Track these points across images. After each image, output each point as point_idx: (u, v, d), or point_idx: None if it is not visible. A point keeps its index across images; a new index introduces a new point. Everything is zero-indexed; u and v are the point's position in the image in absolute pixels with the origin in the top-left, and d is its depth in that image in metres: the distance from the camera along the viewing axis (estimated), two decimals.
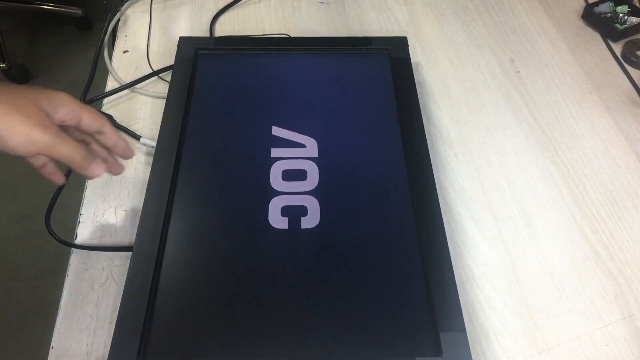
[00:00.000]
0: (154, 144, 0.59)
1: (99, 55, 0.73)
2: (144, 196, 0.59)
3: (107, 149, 0.51)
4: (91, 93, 0.69)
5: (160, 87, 0.71)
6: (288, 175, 0.55)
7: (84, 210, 0.58)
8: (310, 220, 0.51)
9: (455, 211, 0.58)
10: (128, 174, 0.61)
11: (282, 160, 0.56)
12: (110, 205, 0.59)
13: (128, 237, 0.56)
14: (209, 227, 0.51)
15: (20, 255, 1.40)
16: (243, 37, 0.77)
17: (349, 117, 0.60)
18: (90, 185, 0.60)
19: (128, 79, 0.71)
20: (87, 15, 1.92)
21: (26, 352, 1.24)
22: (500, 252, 0.55)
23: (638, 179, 0.62)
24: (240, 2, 0.82)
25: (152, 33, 0.79)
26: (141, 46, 0.76)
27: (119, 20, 0.81)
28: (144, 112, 0.68)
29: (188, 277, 0.48)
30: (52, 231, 0.56)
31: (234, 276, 0.48)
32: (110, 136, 0.51)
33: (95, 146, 0.51)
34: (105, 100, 0.69)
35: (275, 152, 0.56)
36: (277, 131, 0.58)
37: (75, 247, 0.55)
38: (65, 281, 0.53)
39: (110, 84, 0.72)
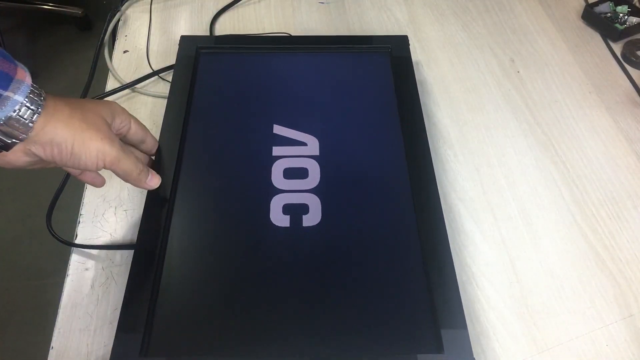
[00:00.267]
0: None
1: (98, 55, 0.73)
2: (144, 196, 0.59)
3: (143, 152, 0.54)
4: (91, 93, 0.69)
5: (161, 87, 0.71)
6: (289, 174, 0.55)
7: (83, 211, 0.58)
8: (311, 218, 0.52)
9: (455, 211, 0.58)
10: None
11: (284, 158, 0.56)
12: (110, 205, 0.59)
13: (128, 237, 0.56)
14: (210, 225, 0.51)
15: (20, 255, 1.40)
16: (244, 36, 0.77)
17: (350, 115, 0.60)
18: (90, 185, 0.60)
19: (128, 79, 0.71)
20: (87, 15, 1.92)
21: (26, 352, 1.24)
22: (500, 252, 0.55)
23: (638, 179, 0.62)
24: (240, 2, 0.82)
25: (152, 33, 0.79)
26: (141, 46, 0.76)
27: (119, 20, 0.81)
28: (144, 112, 0.68)
29: (190, 274, 0.48)
30: (53, 231, 0.56)
31: (235, 274, 0.48)
32: (151, 144, 0.54)
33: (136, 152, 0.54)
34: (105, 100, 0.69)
35: (276, 151, 0.57)
36: (278, 129, 0.59)
37: (76, 247, 0.55)
38: (65, 281, 0.53)
39: (111, 84, 0.72)
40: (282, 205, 0.52)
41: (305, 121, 0.59)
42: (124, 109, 0.50)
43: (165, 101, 0.60)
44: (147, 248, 0.49)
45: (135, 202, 0.59)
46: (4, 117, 0.40)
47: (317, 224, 0.51)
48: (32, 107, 0.41)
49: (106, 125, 0.46)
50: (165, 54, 0.75)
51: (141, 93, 0.70)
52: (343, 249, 0.50)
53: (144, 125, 0.53)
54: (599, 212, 0.59)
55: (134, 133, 0.51)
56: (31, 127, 0.41)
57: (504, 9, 0.82)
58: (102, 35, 0.75)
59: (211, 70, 0.64)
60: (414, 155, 0.56)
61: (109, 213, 0.58)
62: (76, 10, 1.90)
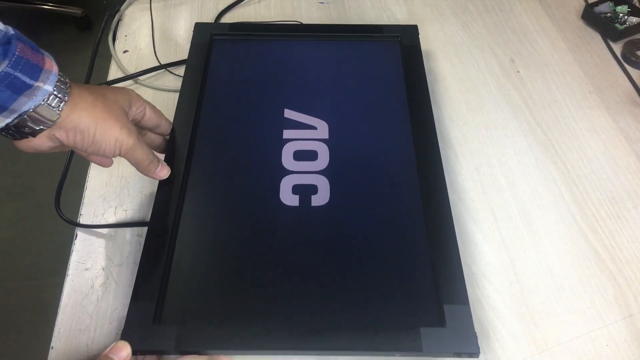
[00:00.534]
0: None
1: (96, 54, 0.73)
2: (143, 196, 0.59)
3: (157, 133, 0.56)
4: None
5: (164, 80, 0.71)
6: (299, 156, 0.56)
7: (84, 210, 0.58)
8: (320, 198, 0.53)
9: (455, 211, 0.58)
10: (128, 173, 0.61)
11: (294, 141, 0.58)
12: (110, 205, 0.59)
13: (128, 236, 0.56)
14: (222, 203, 0.53)
15: (20, 255, 1.40)
16: (257, 23, 0.79)
17: (359, 101, 0.62)
18: (90, 185, 0.60)
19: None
20: (87, 15, 1.92)
21: (26, 352, 1.23)
22: (500, 252, 0.55)
23: (638, 179, 0.62)
24: (241, 3, 0.82)
25: (152, 32, 0.79)
26: (141, 46, 0.76)
27: (119, 20, 0.81)
28: None
29: (201, 248, 0.50)
30: (61, 212, 0.57)
31: (245, 249, 0.50)
32: (165, 127, 0.56)
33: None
34: None
35: (287, 134, 0.58)
36: (289, 114, 0.60)
37: (86, 227, 0.56)
38: (65, 281, 0.53)
39: (112, 75, 0.72)
40: (291, 186, 0.54)
41: (315, 106, 0.61)
42: (139, 96, 0.52)
43: (168, 94, 0.61)
44: (160, 223, 0.51)
45: (135, 202, 0.59)
46: (34, 106, 0.42)
47: (325, 204, 0.53)
48: (59, 96, 0.43)
49: (124, 114, 0.48)
50: (166, 54, 0.75)
51: (144, 85, 0.71)
52: (350, 228, 0.51)
53: (159, 110, 0.54)
54: (599, 212, 0.59)
55: (149, 119, 0.53)
56: (58, 115, 0.43)
57: (504, 8, 0.82)
58: (99, 34, 0.75)
59: (224, 56, 0.66)
60: (420, 138, 0.58)
61: (109, 213, 0.58)
62: (76, 10, 1.90)
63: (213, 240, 0.51)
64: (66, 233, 0.56)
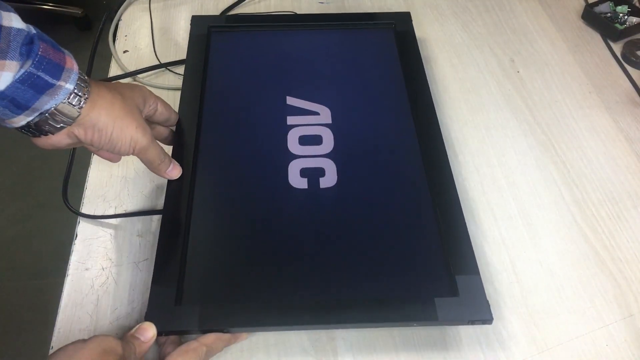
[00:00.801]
0: None
1: (95, 53, 0.73)
2: (143, 196, 0.59)
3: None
4: None
5: (163, 79, 0.71)
6: (304, 140, 0.58)
7: (84, 210, 0.58)
8: (328, 180, 0.55)
9: None
10: (128, 173, 0.61)
11: (298, 127, 0.59)
12: (110, 205, 0.59)
13: (128, 236, 0.56)
14: (233, 188, 0.55)
15: (20, 255, 1.40)
16: (252, 14, 0.80)
17: (358, 86, 0.64)
18: (90, 185, 0.60)
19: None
20: (87, 15, 1.92)
21: (26, 352, 1.24)
22: (501, 252, 0.55)
23: (638, 179, 0.62)
24: (241, 3, 0.82)
25: (152, 32, 0.79)
26: (141, 46, 0.76)
27: (119, 20, 0.81)
28: None
29: (216, 232, 0.51)
30: (69, 204, 0.58)
31: (258, 231, 0.51)
32: (174, 120, 0.57)
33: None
34: None
35: (290, 120, 0.60)
36: (291, 101, 0.62)
37: (95, 218, 0.57)
38: (65, 281, 0.53)
39: (113, 73, 0.72)
40: (299, 169, 0.55)
41: (316, 93, 0.62)
42: (151, 93, 0.52)
43: (168, 92, 0.62)
44: (174, 209, 0.52)
45: (135, 201, 0.59)
46: (55, 105, 0.42)
47: (333, 185, 0.54)
48: (79, 94, 0.43)
49: (139, 112, 0.49)
50: (166, 54, 0.75)
51: (143, 84, 0.71)
52: (360, 207, 0.53)
53: (169, 104, 0.55)
54: (599, 212, 0.59)
55: (160, 114, 0.54)
56: (79, 113, 0.44)
57: (504, 8, 0.82)
58: (97, 34, 0.75)
59: (223, 47, 0.68)
60: (420, 116, 0.60)
61: (109, 213, 0.58)
62: (76, 10, 1.90)
63: (227, 224, 0.52)
64: (66, 233, 0.56)
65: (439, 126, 0.58)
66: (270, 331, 0.49)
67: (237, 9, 0.82)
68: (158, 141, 0.52)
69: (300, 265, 0.49)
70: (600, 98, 0.70)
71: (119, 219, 0.57)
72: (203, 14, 0.81)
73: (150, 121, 0.54)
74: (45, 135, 0.45)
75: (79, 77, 0.43)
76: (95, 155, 0.63)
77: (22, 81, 0.40)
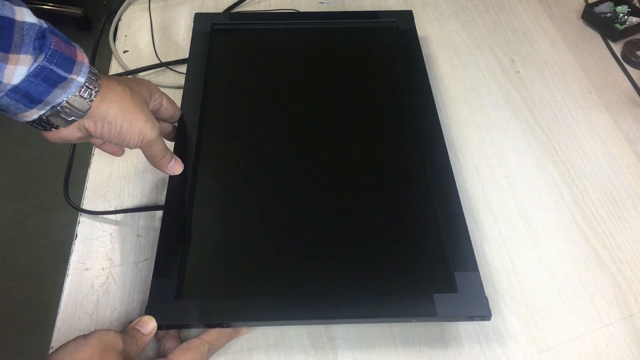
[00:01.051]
0: None
1: (96, 52, 0.73)
2: (143, 195, 0.59)
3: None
4: None
5: (163, 78, 0.71)
6: (305, 138, 0.59)
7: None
8: (329, 177, 0.55)
9: None
10: (128, 173, 0.61)
11: (299, 124, 0.60)
12: (111, 205, 0.59)
13: (128, 236, 0.56)
14: (234, 185, 0.55)
15: (20, 255, 1.40)
16: (255, 12, 0.80)
17: (361, 84, 0.64)
18: (90, 185, 0.60)
19: None
20: (87, 15, 1.92)
21: (26, 352, 1.24)
22: (501, 252, 0.55)
23: (638, 179, 0.62)
24: (242, 4, 0.82)
25: (152, 32, 0.79)
26: (141, 46, 0.76)
27: (119, 20, 0.81)
28: None
29: (217, 226, 0.52)
30: (70, 200, 0.58)
31: (258, 226, 0.52)
32: (177, 117, 0.57)
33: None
34: None
35: (291, 118, 0.61)
36: (292, 98, 0.63)
37: (97, 214, 0.57)
38: (65, 281, 0.53)
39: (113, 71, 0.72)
40: (300, 166, 0.56)
41: (318, 90, 0.63)
42: (157, 87, 0.53)
43: (168, 91, 0.61)
44: (175, 203, 0.52)
45: (136, 201, 0.59)
46: (67, 98, 0.43)
47: (334, 182, 0.55)
48: (90, 87, 0.44)
49: (147, 106, 0.50)
50: (166, 53, 0.75)
51: None
52: (361, 204, 0.53)
53: (173, 101, 0.56)
54: (599, 212, 0.59)
55: (165, 109, 0.54)
56: (89, 106, 0.44)
57: (504, 8, 0.82)
58: (98, 36, 0.75)
59: (226, 44, 0.68)
60: (422, 116, 0.60)
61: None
62: (76, 10, 1.90)
63: (228, 219, 0.52)
64: (66, 233, 0.56)
65: (440, 125, 0.59)
66: (270, 326, 0.49)
67: (237, 9, 0.82)
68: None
69: (300, 260, 0.49)
70: (600, 98, 0.70)
71: (119, 218, 0.57)
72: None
73: (155, 116, 0.54)
74: (56, 128, 0.45)
75: (90, 70, 0.44)
76: (95, 156, 0.63)
77: (36, 75, 0.40)
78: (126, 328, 0.43)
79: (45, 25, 0.41)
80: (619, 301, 0.52)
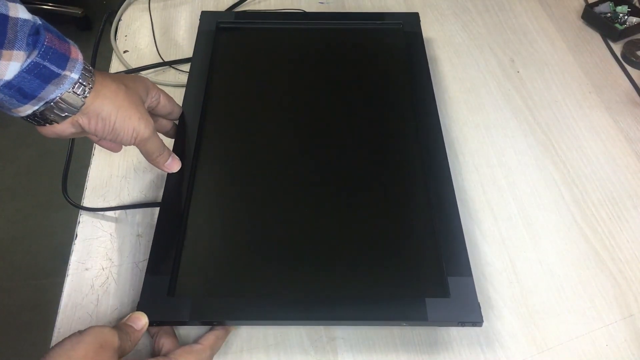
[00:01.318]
0: None
1: (97, 52, 0.73)
2: (143, 195, 0.59)
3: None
4: None
5: (164, 76, 0.71)
6: (306, 137, 0.59)
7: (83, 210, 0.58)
8: (328, 177, 0.56)
9: None
10: (128, 173, 0.61)
11: (299, 124, 0.60)
12: (110, 205, 0.58)
13: (128, 236, 0.56)
14: (232, 184, 0.55)
15: (20, 255, 1.40)
16: (261, 12, 0.81)
17: (364, 85, 0.64)
18: (90, 185, 0.60)
19: None
20: (87, 15, 1.92)
21: (26, 352, 1.24)
22: (501, 252, 0.55)
23: (638, 179, 0.62)
24: (242, 4, 0.82)
25: (153, 32, 0.79)
26: (141, 46, 0.76)
27: (119, 20, 0.81)
28: None
29: (213, 224, 0.52)
30: (69, 197, 0.58)
31: (254, 226, 0.52)
32: (177, 114, 0.57)
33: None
34: None
35: (293, 117, 0.61)
36: (295, 97, 0.63)
37: (95, 211, 0.57)
38: (65, 281, 0.53)
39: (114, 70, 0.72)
40: (299, 166, 0.56)
41: (321, 90, 0.63)
42: (154, 85, 0.53)
43: (168, 89, 0.61)
44: (172, 200, 0.52)
45: (135, 201, 0.59)
46: (61, 94, 0.43)
47: (333, 182, 0.55)
48: (84, 84, 0.44)
49: (142, 103, 0.49)
50: (166, 54, 0.75)
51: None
52: (358, 205, 0.53)
53: (171, 97, 0.56)
54: (599, 212, 0.59)
55: (163, 106, 0.54)
56: (83, 102, 0.44)
57: (504, 8, 0.82)
58: (98, 36, 0.75)
59: (231, 43, 0.68)
60: (423, 117, 0.60)
61: (109, 213, 0.58)
62: (76, 10, 1.90)
63: (224, 218, 0.52)
64: (66, 233, 0.56)
65: (440, 125, 0.59)
66: (261, 325, 0.49)
67: (237, 9, 0.82)
68: (161, 134, 0.52)
69: (294, 261, 0.49)
70: (600, 98, 0.70)
71: (119, 218, 0.57)
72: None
73: (152, 113, 0.54)
74: (50, 124, 0.45)
75: (84, 67, 0.44)
76: (95, 156, 0.63)
77: (29, 71, 0.40)
78: (119, 324, 0.44)
79: (39, 22, 0.41)
80: (619, 301, 0.52)
